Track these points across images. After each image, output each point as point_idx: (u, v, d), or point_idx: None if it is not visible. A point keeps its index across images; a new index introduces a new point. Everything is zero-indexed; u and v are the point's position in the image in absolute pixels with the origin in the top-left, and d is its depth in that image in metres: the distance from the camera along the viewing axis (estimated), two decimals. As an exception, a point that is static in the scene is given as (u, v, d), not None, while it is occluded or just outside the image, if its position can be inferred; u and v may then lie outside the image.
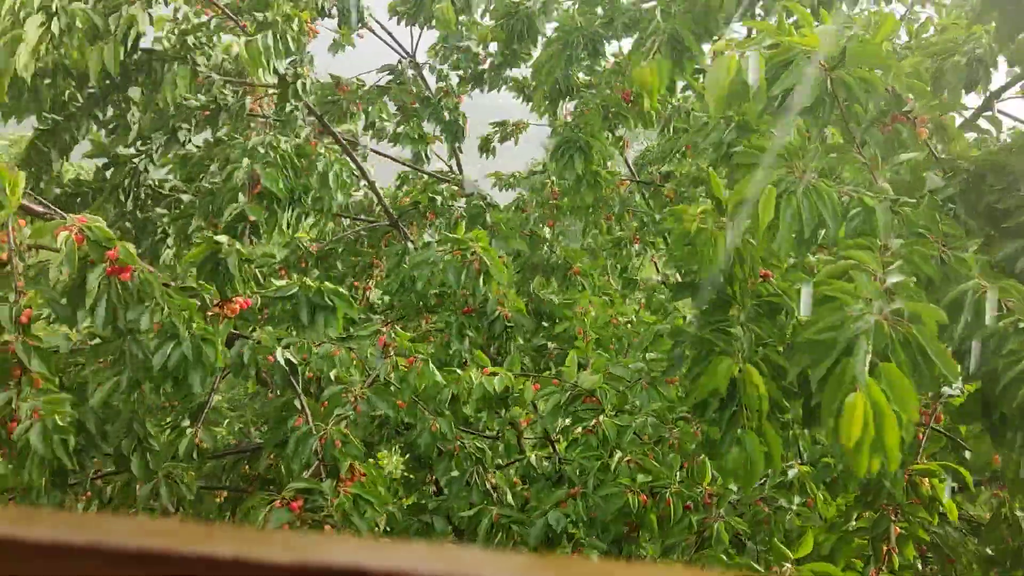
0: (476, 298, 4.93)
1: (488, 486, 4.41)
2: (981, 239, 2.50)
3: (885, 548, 3.50)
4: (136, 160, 5.14)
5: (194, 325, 3.24)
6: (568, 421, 4.58)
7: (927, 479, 3.52)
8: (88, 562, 0.57)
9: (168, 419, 4.56)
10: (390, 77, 6.03)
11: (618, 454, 4.19)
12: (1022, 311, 2.20)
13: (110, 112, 4.99)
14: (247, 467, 5.04)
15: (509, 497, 4.38)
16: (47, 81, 4.51)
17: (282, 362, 4.09)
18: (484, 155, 6.99)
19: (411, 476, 5.23)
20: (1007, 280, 2.27)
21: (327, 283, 4.00)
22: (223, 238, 3.64)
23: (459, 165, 6.55)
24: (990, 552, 3.81)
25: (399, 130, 5.69)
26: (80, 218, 3.20)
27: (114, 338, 3.24)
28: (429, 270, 4.39)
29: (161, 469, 4.03)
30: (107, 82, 4.73)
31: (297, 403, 4.03)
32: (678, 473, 4.21)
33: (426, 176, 6.50)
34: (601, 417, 4.35)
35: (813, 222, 2.35)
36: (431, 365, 4.30)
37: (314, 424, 3.93)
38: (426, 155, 6.13)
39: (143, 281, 3.23)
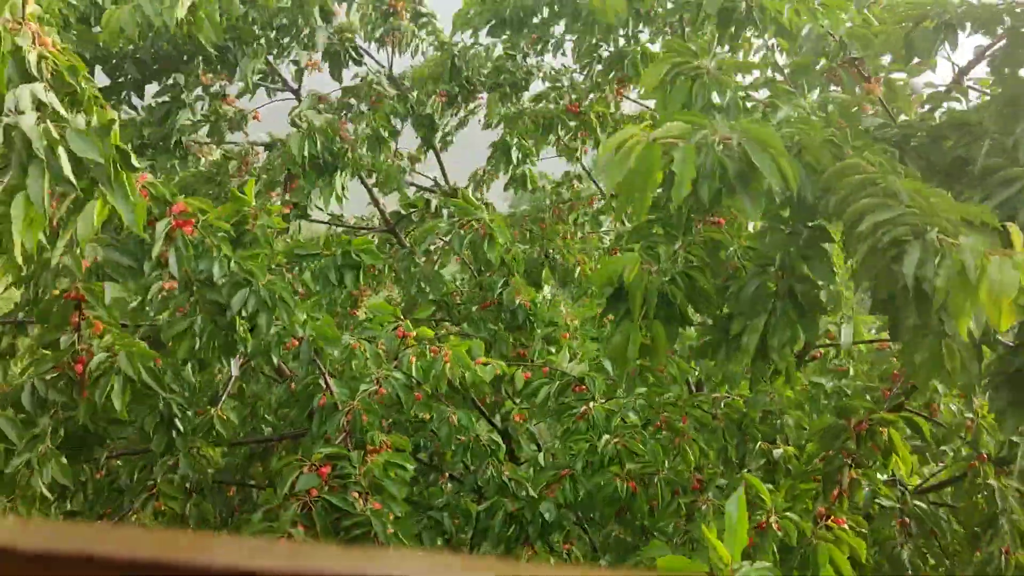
0: (492, 293, 5.11)
1: (504, 479, 4.50)
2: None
3: (836, 490, 3.67)
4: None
5: (260, 275, 3.40)
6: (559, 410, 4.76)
7: (886, 429, 3.70)
8: (80, 571, 0.57)
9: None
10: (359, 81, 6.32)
11: (605, 437, 4.35)
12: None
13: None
14: (260, 466, 5.10)
15: (528, 489, 4.47)
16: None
17: (304, 347, 4.20)
18: (477, 191, 7.26)
19: (418, 478, 5.29)
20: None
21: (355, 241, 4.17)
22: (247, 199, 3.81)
23: (444, 175, 6.81)
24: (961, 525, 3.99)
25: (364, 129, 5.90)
26: (143, 175, 3.38)
27: (182, 290, 3.38)
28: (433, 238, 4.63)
29: (183, 447, 4.10)
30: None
31: (322, 382, 4.13)
32: (666, 460, 4.37)
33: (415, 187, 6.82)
34: (591, 404, 4.54)
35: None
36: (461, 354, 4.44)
37: (340, 400, 4.03)
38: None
39: (207, 231, 3.40)
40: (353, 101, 5.96)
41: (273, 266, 3.91)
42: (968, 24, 3.09)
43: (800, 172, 2.48)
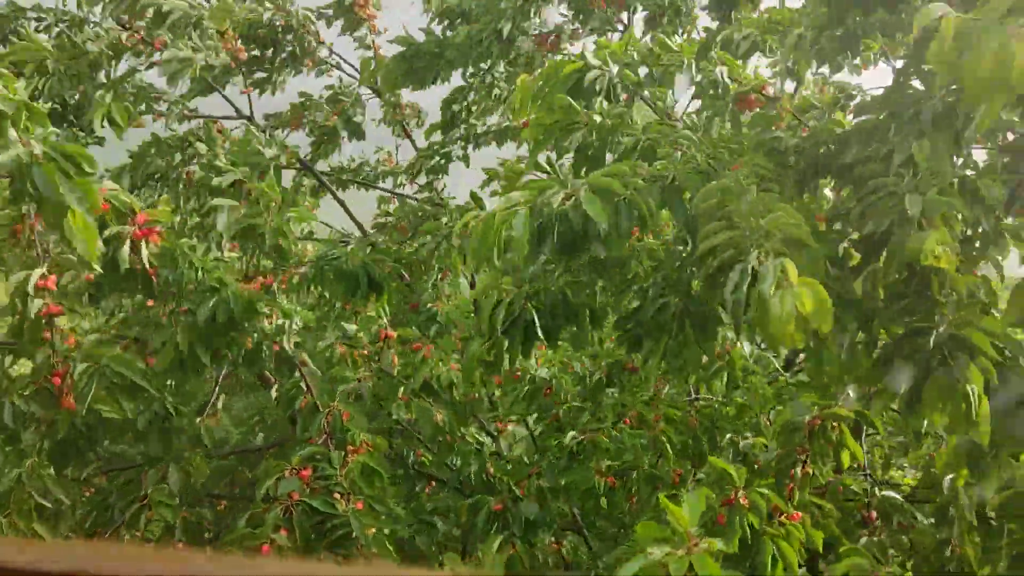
0: (415, 295, 5.18)
1: (486, 476, 4.52)
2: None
3: (790, 485, 3.79)
4: None
5: (230, 282, 3.42)
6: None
7: (838, 424, 3.79)
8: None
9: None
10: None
11: (571, 433, 4.49)
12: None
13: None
14: (248, 473, 5.11)
15: (512, 487, 4.49)
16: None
17: (289, 348, 4.21)
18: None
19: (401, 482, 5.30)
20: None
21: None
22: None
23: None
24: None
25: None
26: (102, 187, 3.39)
27: (159, 300, 3.42)
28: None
29: (171, 454, 4.11)
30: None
31: (303, 384, 4.15)
32: (646, 456, 4.46)
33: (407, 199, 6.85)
34: (562, 406, 4.70)
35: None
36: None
37: (320, 401, 4.05)
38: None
39: (171, 241, 3.42)
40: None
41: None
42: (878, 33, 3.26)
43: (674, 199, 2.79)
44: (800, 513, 3.57)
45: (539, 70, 3.69)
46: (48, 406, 3.48)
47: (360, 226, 6.61)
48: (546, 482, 4.45)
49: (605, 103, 3.35)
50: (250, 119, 6.26)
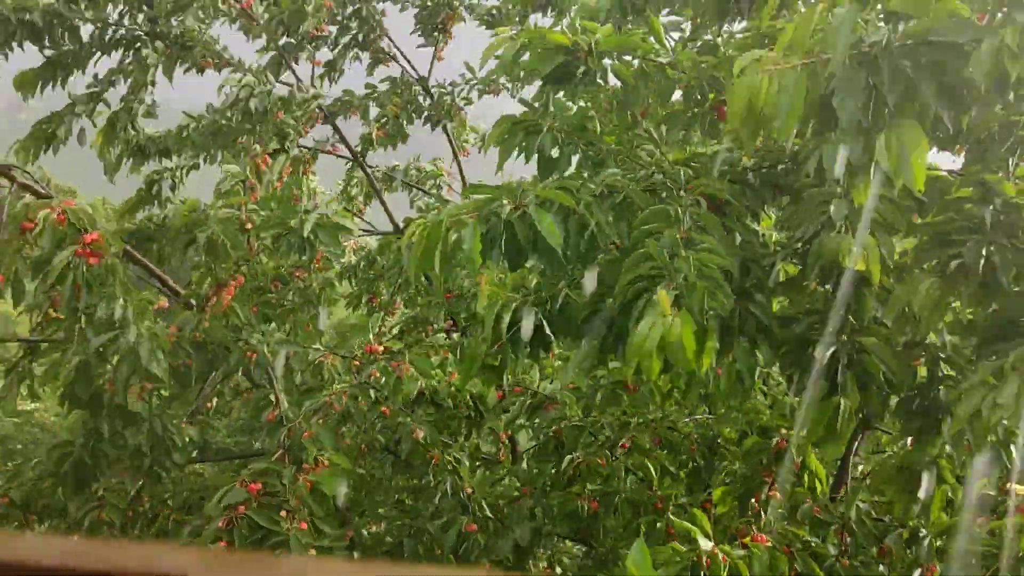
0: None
1: (463, 496, 4.40)
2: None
3: (756, 507, 3.85)
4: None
5: (145, 323, 3.40)
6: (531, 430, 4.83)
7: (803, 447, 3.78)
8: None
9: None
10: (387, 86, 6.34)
11: (568, 457, 4.36)
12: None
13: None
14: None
15: (485, 509, 4.38)
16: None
17: (266, 355, 4.20)
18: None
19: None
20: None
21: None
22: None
23: (463, 182, 6.75)
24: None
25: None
26: (67, 200, 3.44)
27: (69, 319, 3.43)
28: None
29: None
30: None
31: (272, 396, 4.13)
32: (629, 479, 4.37)
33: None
34: (563, 423, 4.51)
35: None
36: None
37: (286, 414, 4.02)
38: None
39: (109, 269, 3.42)
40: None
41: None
42: None
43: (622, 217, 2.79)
44: (765, 536, 3.44)
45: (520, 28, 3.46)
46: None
47: (397, 227, 6.59)
48: (538, 506, 4.35)
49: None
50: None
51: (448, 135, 6.49)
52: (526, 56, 3.13)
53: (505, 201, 2.69)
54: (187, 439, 4.33)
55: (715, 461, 4.41)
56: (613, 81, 3.24)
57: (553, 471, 4.46)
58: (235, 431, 5.66)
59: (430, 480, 4.41)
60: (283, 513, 3.61)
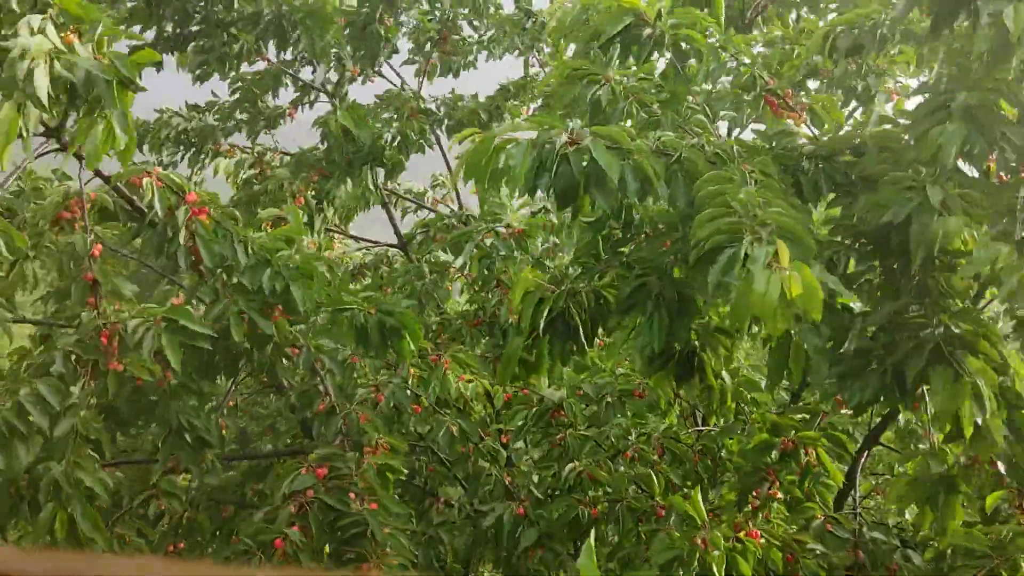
0: (485, 311, 5.19)
1: (506, 484, 4.52)
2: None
3: (754, 503, 3.84)
4: None
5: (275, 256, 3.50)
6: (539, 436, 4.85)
7: (811, 447, 3.82)
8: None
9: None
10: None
11: (569, 466, 4.39)
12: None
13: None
14: (256, 484, 5.10)
15: (534, 491, 4.48)
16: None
17: (304, 355, 4.24)
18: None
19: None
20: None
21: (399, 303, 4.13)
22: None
23: (459, 200, 6.96)
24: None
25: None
26: (156, 168, 3.50)
27: (209, 277, 3.49)
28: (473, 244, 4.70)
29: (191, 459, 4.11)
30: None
31: (321, 388, 4.18)
32: (630, 487, 4.43)
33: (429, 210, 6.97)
34: (568, 431, 4.60)
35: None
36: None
37: (337, 404, 4.08)
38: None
39: (222, 218, 3.49)
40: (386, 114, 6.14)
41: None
42: (897, 35, 3.29)
43: (678, 178, 2.76)
44: (759, 531, 3.58)
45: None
46: (97, 356, 3.46)
47: (402, 242, 6.70)
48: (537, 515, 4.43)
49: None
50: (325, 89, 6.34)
51: (443, 152, 6.68)
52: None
53: (560, 131, 2.66)
54: (222, 434, 4.33)
55: (718, 474, 4.54)
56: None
57: (552, 478, 4.56)
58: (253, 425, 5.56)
59: (469, 471, 4.52)
60: (351, 495, 3.67)
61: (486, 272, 5.13)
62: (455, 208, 6.90)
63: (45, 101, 2.29)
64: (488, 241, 4.82)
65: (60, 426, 3.19)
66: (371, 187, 5.57)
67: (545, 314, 3.01)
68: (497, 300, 5.34)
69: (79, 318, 3.50)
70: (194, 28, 5.41)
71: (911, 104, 3.45)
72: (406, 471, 3.94)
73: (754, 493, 3.82)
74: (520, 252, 5.03)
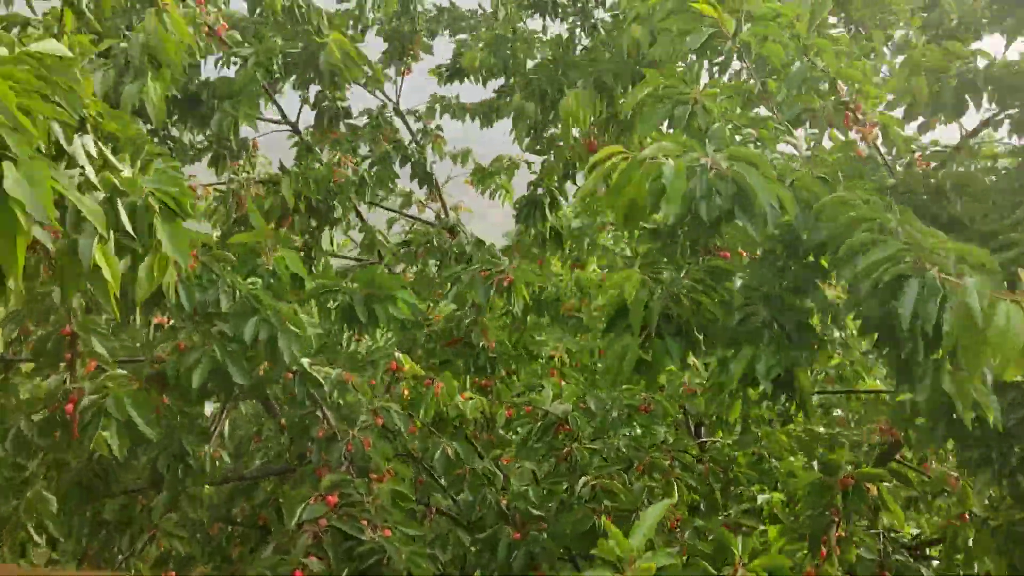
0: (460, 330, 5.16)
1: (502, 507, 4.50)
2: None
3: (825, 548, 3.60)
4: None
5: (265, 304, 3.38)
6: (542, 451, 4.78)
7: (873, 484, 3.64)
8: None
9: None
10: (365, 120, 6.41)
11: (583, 479, 4.31)
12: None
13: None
14: (245, 504, 5.01)
15: (529, 513, 4.45)
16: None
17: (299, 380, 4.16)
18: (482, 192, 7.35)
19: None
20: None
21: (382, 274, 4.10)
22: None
23: (443, 205, 6.89)
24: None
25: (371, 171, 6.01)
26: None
27: (187, 322, 3.36)
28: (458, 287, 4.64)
29: (193, 485, 4.03)
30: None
31: (319, 413, 4.12)
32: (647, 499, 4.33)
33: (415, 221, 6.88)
34: (574, 445, 4.55)
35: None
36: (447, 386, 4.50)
37: (338, 429, 4.03)
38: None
39: (209, 263, 3.38)
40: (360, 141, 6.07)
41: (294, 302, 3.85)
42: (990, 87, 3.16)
43: (793, 203, 2.52)
44: None
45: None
46: (53, 436, 3.37)
47: (381, 255, 6.60)
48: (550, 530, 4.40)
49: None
50: (295, 127, 6.21)
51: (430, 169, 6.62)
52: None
53: (698, 155, 2.44)
54: (216, 462, 4.24)
55: (730, 487, 4.51)
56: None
57: (566, 492, 4.47)
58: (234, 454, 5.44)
59: (465, 496, 4.49)
60: (363, 522, 3.63)
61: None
62: (441, 214, 6.83)
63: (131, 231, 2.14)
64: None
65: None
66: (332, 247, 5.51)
67: (657, 313, 2.80)
68: (471, 319, 5.28)
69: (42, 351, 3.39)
70: None
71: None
72: (414, 497, 3.89)
73: (822, 540, 3.59)
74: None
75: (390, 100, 6.63)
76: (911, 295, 2.17)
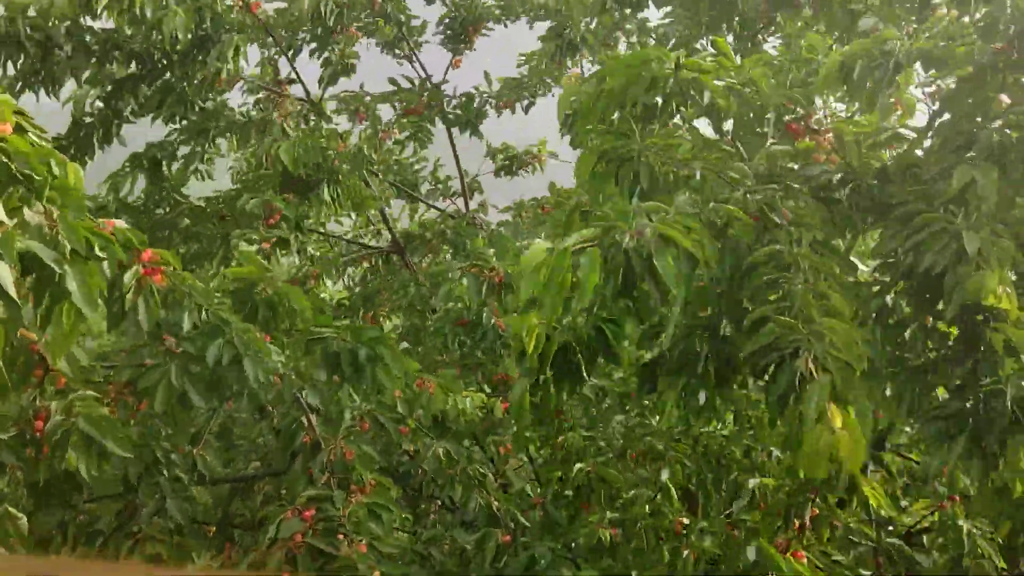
0: (469, 311, 5.10)
1: (493, 509, 4.46)
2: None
3: (798, 523, 3.83)
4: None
5: (233, 326, 3.32)
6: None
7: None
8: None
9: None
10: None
11: (579, 465, 4.36)
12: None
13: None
14: (242, 503, 5.02)
15: (519, 518, 4.44)
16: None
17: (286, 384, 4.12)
18: (503, 175, 7.25)
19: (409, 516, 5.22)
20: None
21: (370, 329, 3.98)
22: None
23: (465, 195, 6.82)
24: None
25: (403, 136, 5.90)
26: (109, 221, 3.28)
27: (149, 342, 3.31)
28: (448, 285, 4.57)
29: (169, 489, 4.02)
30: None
31: (304, 420, 4.08)
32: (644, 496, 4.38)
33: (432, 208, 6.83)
34: (568, 433, 4.56)
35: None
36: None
37: (322, 437, 3.98)
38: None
39: (177, 283, 3.31)
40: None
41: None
42: (919, 63, 3.14)
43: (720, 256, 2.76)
44: (804, 552, 3.59)
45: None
46: (22, 455, 3.34)
47: (399, 245, 6.55)
48: (551, 515, 4.41)
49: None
50: (310, 99, 6.18)
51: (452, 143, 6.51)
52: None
53: (623, 230, 2.62)
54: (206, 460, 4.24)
55: (723, 474, 4.51)
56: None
57: (560, 479, 4.51)
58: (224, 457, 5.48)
59: (452, 497, 4.45)
60: (339, 536, 3.59)
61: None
62: (462, 207, 6.77)
63: (13, 294, 2.02)
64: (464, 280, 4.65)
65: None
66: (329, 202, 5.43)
67: (551, 355, 2.93)
68: (481, 302, 5.23)
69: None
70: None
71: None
72: (393, 510, 3.83)
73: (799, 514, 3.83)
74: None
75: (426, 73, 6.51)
76: (783, 380, 2.50)
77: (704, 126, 3.34)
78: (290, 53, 6.04)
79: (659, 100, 3.11)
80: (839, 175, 3.01)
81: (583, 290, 2.50)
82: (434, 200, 7.23)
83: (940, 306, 2.75)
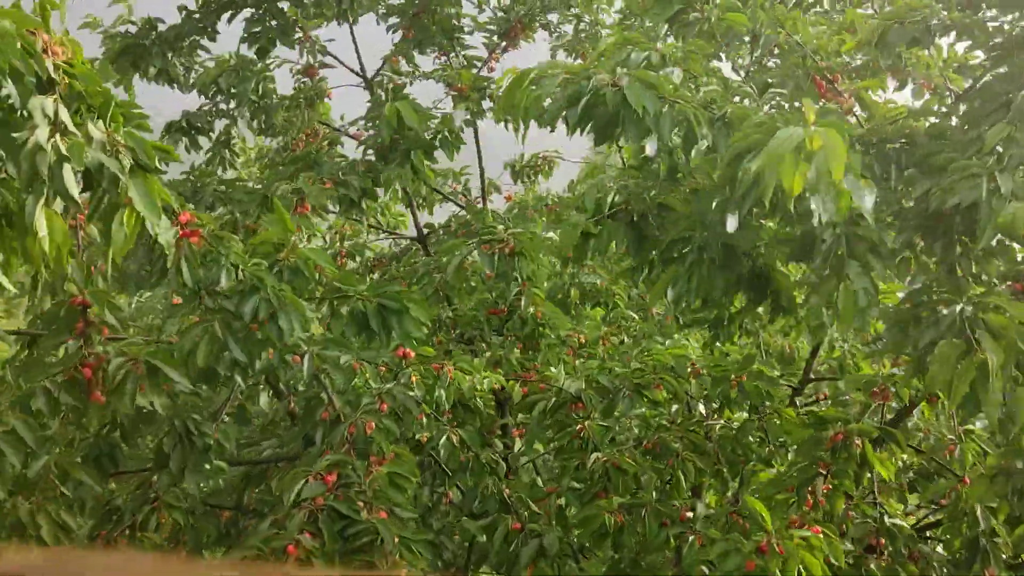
0: (507, 299, 5.14)
1: (504, 496, 4.49)
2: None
3: (810, 500, 3.87)
4: None
5: (267, 281, 3.41)
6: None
7: (861, 440, 3.88)
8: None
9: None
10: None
11: (595, 455, 4.39)
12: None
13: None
14: (255, 490, 5.05)
15: (530, 506, 4.47)
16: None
17: (307, 363, 4.19)
18: (518, 182, 7.39)
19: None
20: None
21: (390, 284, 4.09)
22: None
23: (484, 194, 6.94)
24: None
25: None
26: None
27: (190, 300, 3.40)
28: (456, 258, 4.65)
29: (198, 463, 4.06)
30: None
31: (324, 396, 4.14)
32: (657, 482, 4.43)
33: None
34: (587, 422, 4.56)
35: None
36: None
37: (342, 411, 4.04)
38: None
39: (215, 241, 3.42)
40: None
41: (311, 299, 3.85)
42: (953, 32, 3.29)
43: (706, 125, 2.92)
44: (820, 528, 3.62)
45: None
46: (78, 397, 3.43)
47: (421, 235, 6.66)
48: (567, 504, 4.42)
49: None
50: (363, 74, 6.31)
51: (476, 140, 6.63)
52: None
53: (602, 73, 2.79)
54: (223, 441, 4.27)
55: (739, 464, 4.55)
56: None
57: (577, 468, 4.52)
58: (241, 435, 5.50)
59: (460, 486, 4.48)
60: (360, 504, 3.64)
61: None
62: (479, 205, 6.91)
63: (76, 197, 2.15)
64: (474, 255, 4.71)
65: (33, 466, 3.22)
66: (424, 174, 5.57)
67: (610, 201, 3.15)
68: (517, 290, 5.25)
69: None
70: None
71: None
72: (415, 479, 3.88)
73: (810, 489, 3.87)
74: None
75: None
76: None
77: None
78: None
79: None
80: (859, 130, 3.09)
81: (537, 109, 2.76)
82: (454, 198, 7.40)
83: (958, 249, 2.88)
